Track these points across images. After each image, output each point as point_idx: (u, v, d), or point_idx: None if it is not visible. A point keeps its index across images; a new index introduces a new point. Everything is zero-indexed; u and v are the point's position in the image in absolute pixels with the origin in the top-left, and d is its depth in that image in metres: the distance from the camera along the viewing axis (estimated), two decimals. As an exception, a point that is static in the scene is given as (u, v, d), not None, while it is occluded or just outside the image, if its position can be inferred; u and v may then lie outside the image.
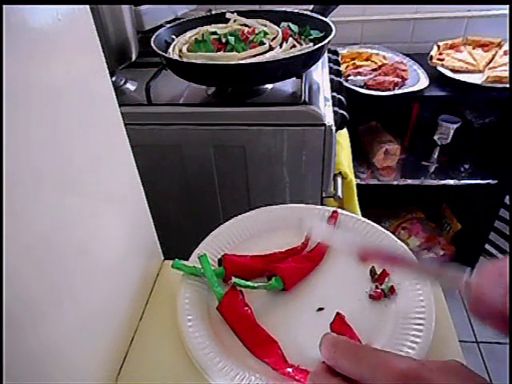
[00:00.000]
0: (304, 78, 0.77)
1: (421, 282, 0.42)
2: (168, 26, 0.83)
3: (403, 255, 0.38)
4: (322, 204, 0.81)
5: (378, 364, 0.26)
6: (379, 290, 0.43)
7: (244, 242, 0.50)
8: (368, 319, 0.41)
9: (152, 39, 0.75)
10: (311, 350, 0.31)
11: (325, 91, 0.81)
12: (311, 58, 0.73)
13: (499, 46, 1.29)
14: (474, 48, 1.30)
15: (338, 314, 0.40)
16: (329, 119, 0.72)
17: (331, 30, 0.74)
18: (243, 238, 0.50)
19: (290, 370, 0.36)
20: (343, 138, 0.98)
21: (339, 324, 0.39)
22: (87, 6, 0.34)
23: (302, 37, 0.78)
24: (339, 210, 0.52)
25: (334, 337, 0.30)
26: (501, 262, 0.28)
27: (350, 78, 1.25)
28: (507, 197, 1.35)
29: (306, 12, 0.83)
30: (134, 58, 0.81)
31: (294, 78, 0.79)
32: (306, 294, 0.44)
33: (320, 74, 0.87)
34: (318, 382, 0.29)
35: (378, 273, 0.45)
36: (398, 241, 0.47)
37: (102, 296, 0.39)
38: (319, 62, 0.85)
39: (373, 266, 0.46)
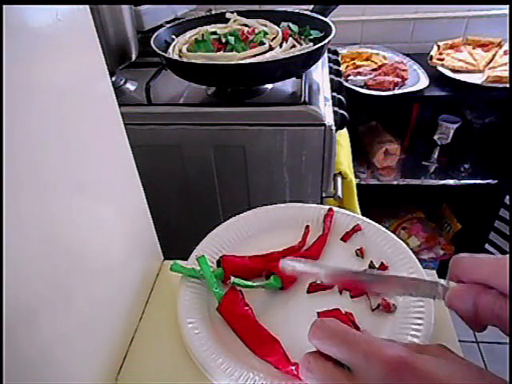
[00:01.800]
0: (304, 78, 0.77)
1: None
2: (168, 25, 0.83)
3: (372, 275, 0.38)
4: (321, 204, 0.81)
5: (367, 350, 0.27)
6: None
7: (242, 242, 0.50)
8: (366, 317, 0.41)
9: (152, 39, 0.75)
10: (312, 348, 0.31)
11: (325, 91, 0.81)
12: (311, 58, 0.73)
13: (499, 45, 1.29)
14: (474, 48, 1.30)
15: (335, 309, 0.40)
16: (329, 119, 0.72)
17: (331, 30, 0.74)
18: (240, 239, 0.50)
19: (292, 368, 0.36)
20: (343, 137, 0.98)
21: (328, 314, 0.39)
22: (87, 6, 0.34)
23: (302, 37, 0.78)
24: (335, 208, 0.52)
25: (321, 320, 0.30)
26: (475, 287, 0.30)
27: (349, 77, 1.25)
28: (507, 197, 1.35)
29: (306, 12, 0.83)
30: (133, 58, 0.81)
31: (293, 78, 0.80)
32: (304, 291, 0.44)
33: (320, 74, 0.87)
34: (313, 364, 0.29)
35: (377, 266, 0.45)
36: (398, 239, 0.47)
37: (102, 296, 0.39)
38: (319, 62, 0.85)
39: (371, 261, 0.46)
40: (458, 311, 0.30)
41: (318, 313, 0.39)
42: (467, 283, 0.30)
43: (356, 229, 0.49)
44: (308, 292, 0.44)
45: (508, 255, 0.29)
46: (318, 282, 0.44)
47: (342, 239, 0.49)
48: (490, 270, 0.30)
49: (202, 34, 0.78)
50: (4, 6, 0.25)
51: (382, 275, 0.36)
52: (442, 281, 0.32)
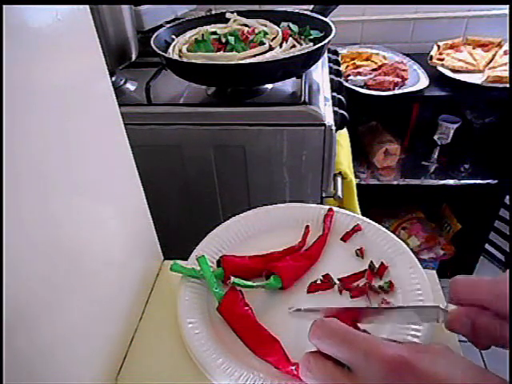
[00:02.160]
0: (304, 78, 0.77)
1: (420, 280, 0.42)
2: (168, 25, 0.83)
3: (375, 309, 0.38)
4: (321, 204, 0.81)
5: (367, 350, 0.27)
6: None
7: (242, 242, 0.50)
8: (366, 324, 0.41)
9: (152, 39, 0.75)
10: (313, 348, 0.31)
11: (325, 91, 0.81)
12: (311, 58, 0.73)
13: (499, 45, 1.29)
14: (474, 48, 1.30)
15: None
16: (329, 119, 0.72)
17: (331, 30, 0.74)
18: (240, 239, 0.50)
19: (292, 368, 0.36)
20: (343, 137, 0.98)
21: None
22: (87, 6, 0.34)
23: (302, 37, 0.78)
24: (335, 208, 0.52)
25: (321, 320, 0.30)
26: (472, 310, 0.31)
27: (350, 77, 1.25)
28: (507, 197, 1.35)
29: (306, 12, 0.83)
30: (133, 57, 0.81)
31: (293, 78, 0.79)
32: (304, 291, 0.44)
33: (320, 73, 0.87)
34: (312, 364, 0.29)
35: (377, 266, 0.45)
36: (398, 239, 0.47)
37: (102, 296, 0.39)
38: (319, 62, 0.85)
39: (371, 261, 0.46)
40: (459, 333, 0.32)
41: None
42: (465, 305, 0.31)
43: (356, 229, 0.49)
44: (308, 292, 0.44)
45: (506, 273, 0.30)
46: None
47: (341, 239, 0.49)
48: (485, 292, 0.30)
49: (202, 34, 0.78)
50: (4, 6, 0.25)
51: (384, 309, 0.37)
52: (441, 304, 0.32)
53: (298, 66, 0.72)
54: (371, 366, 0.26)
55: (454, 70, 1.21)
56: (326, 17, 0.80)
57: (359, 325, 0.37)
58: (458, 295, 0.32)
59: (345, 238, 0.49)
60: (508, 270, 0.30)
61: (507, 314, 0.28)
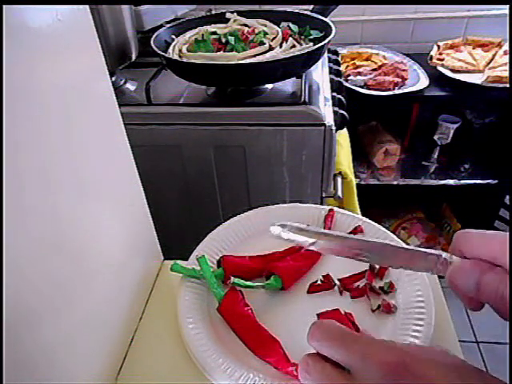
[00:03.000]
0: (304, 78, 0.77)
1: (420, 280, 0.42)
2: (168, 25, 0.83)
3: (365, 241, 0.35)
4: (321, 204, 0.81)
5: (366, 353, 0.27)
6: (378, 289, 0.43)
7: (242, 242, 0.50)
8: (366, 318, 0.41)
9: (152, 39, 0.75)
10: (312, 350, 0.31)
11: (325, 91, 0.81)
12: (311, 58, 0.73)
13: (499, 45, 1.29)
14: (474, 48, 1.30)
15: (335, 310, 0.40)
16: (329, 119, 0.72)
17: (331, 30, 0.74)
18: (241, 239, 0.50)
19: (292, 368, 0.36)
20: (343, 137, 0.98)
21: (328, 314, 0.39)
22: (87, 6, 0.34)
23: (302, 37, 0.78)
24: (335, 209, 0.52)
25: (320, 322, 0.30)
26: (481, 264, 0.28)
27: (349, 78, 1.25)
28: (507, 197, 1.35)
29: (306, 12, 0.83)
30: (133, 57, 0.81)
31: (293, 78, 0.80)
32: (305, 292, 0.44)
33: (320, 73, 0.87)
34: (311, 367, 0.29)
35: (378, 267, 0.45)
36: (398, 239, 0.47)
37: (102, 296, 0.39)
38: (319, 62, 0.85)
39: None
40: (458, 288, 0.29)
41: (318, 315, 0.39)
42: (472, 259, 0.29)
43: (358, 230, 0.49)
44: (308, 292, 0.44)
45: None
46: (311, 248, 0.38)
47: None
48: (499, 247, 0.28)
49: (202, 34, 0.78)
50: (4, 6, 0.25)
51: (376, 242, 0.34)
52: (444, 254, 0.30)
53: (297, 66, 0.72)
54: (369, 368, 0.26)
55: (454, 70, 1.21)
56: (325, 17, 0.80)
57: (361, 329, 0.37)
58: (467, 247, 0.29)
59: None
60: None
61: None
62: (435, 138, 1.35)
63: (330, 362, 0.28)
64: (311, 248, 0.34)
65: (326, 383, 0.28)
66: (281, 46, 0.73)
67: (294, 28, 0.79)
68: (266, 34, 0.76)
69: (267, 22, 0.81)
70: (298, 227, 0.36)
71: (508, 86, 1.11)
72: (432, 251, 0.31)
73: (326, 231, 0.35)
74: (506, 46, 1.26)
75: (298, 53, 0.68)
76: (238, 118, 0.73)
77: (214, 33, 0.78)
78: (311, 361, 0.29)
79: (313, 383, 0.29)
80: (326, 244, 0.34)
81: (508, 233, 0.28)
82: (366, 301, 0.43)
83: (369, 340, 0.28)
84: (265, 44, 0.72)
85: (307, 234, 0.35)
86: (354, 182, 0.91)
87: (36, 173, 0.29)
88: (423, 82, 1.20)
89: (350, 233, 0.49)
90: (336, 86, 0.86)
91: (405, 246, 0.33)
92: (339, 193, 0.81)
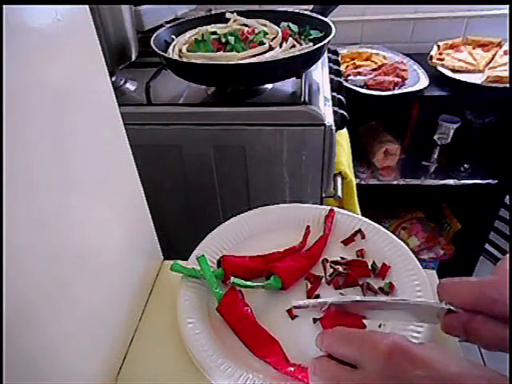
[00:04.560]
0: (304, 78, 0.77)
1: (420, 280, 0.42)
2: (168, 25, 0.83)
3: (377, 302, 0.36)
4: (321, 204, 0.81)
5: (364, 343, 0.28)
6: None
7: (242, 242, 0.50)
8: (368, 318, 0.41)
9: (152, 39, 0.75)
10: (312, 349, 0.31)
11: (325, 91, 0.80)
12: (311, 58, 0.72)
13: (499, 45, 1.29)
14: (474, 48, 1.30)
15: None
16: (329, 119, 0.72)
17: (331, 30, 0.74)
18: (241, 239, 0.50)
19: (291, 369, 0.36)
20: (343, 137, 0.98)
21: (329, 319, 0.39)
22: (87, 6, 0.34)
23: (302, 37, 0.78)
24: (336, 209, 0.52)
25: (327, 330, 0.32)
26: (462, 316, 0.30)
27: (349, 77, 1.25)
28: (507, 197, 1.35)
29: (305, 12, 0.83)
30: (133, 58, 0.81)
31: (293, 78, 0.79)
32: (304, 292, 0.44)
33: (320, 74, 0.87)
34: (317, 367, 0.30)
35: (379, 266, 0.45)
36: (398, 240, 0.47)
37: (102, 296, 0.39)
38: (319, 62, 0.85)
39: (373, 261, 0.46)
40: (456, 336, 0.32)
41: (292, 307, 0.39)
42: (456, 313, 0.31)
43: (360, 234, 0.49)
44: (308, 292, 0.44)
45: (491, 274, 0.30)
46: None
47: (342, 242, 0.49)
48: (471, 295, 0.30)
49: (202, 34, 0.78)
50: (4, 6, 0.25)
51: (386, 302, 0.36)
52: (442, 305, 0.32)
53: (297, 66, 0.72)
54: (367, 355, 0.28)
55: (454, 70, 1.21)
56: (325, 17, 0.80)
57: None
58: (448, 297, 0.32)
59: (346, 242, 0.49)
60: (501, 262, 0.31)
61: (499, 315, 0.28)
62: (435, 137, 1.35)
63: (335, 361, 0.30)
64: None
65: (332, 379, 0.29)
66: (281, 46, 0.73)
67: (294, 28, 0.79)
68: (265, 33, 0.76)
69: (267, 22, 0.81)
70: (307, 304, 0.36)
71: (508, 85, 1.11)
72: (434, 303, 0.33)
73: (332, 300, 0.35)
74: (506, 46, 1.26)
75: (298, 53, 0.68)
76: (237, 117, 0.73)
77: (214, 33, 0.78)
78: (317, 362, 0.31)
79: (320, 381, 0.30)
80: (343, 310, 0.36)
81: (479, 280, 0.30)
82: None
83: (366, 332, 0.30)
84: (265, 44, 0.72)
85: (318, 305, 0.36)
86: (354, 181, 0.91)
87: (33, 172, 0.29)
88: (423, 81, 1.20)
89: (351, 236, 0.49)
90: (336, 86, 0.86)
91: (411, 301, 0.35)
92: (339, 193, 0.81)
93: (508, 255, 0.31)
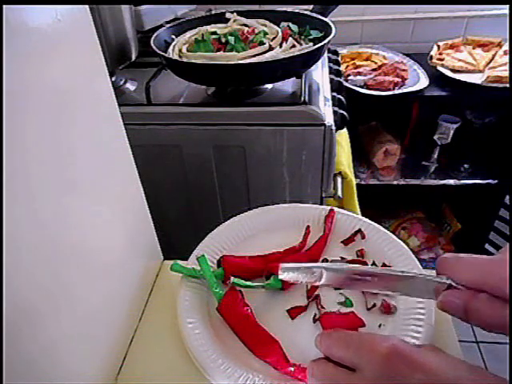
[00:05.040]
0: (304, 78, 0.77)
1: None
2: (168, 25, 0.83)
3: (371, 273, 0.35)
4: (321, 204, 0.81)
5: (362, 346, 0.28)
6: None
7: (242, 242, 0.50)
8: (367, 319, 0.41)
9: (152, 39, 0.75)
10: (312, 349, 0.31)
11: (325, 91, 0.81)
12: (311, 58, 0.73)
13: (499, 45, 1.29)
14: (474, 48, 1.30)
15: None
16: (329, 119, 0.72)
17: (331, 30, 0.74)
18: (241, 239, 0.50)
19: (291, 369, 0.36)
20: (343, 137, 0.98)
21: (327, 321, 0.39)
22: (87, 6, 0.34)
23: (302, 37, 0.78)
24: (336, 209, 0.52)
25: (327, 331, 0.32)
26: (463, 293, 0.29)
27: (349, 77, 1.25)
28: (507, 197, 1.35)
29: (305, 12, 0.83)
30: (133, 57, 0.81)
31: (293, 78, 0.79)
32: (304, 292, 0.44)
33: (320, 74, 0.87)
34: (315, 370, 0.30)
35: (379, 266, 0.45)
36: (398, 240, 0.47)
37: (102, 296, 0.39)
38: (319, 62, 0.85)
39: (373, 261, 0.46)
40: (449, 313, 0.31)
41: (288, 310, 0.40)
42: (457, 289, 0.30)
43: (359, 234, 0.49)
44: (308, 292, 0.44)
45: (501, 252, 0.29)
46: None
47: (342, 242, 0.49)
48: (479, 273, 0.29)
49: (202, 34, 0.78)
50: (4, 6, 0.25)
51: (377, 269, 0.35)
52: (444, 278, 0.31)
53: (297, 66, 0.72)
54: (364, 357, 0.28)
55: (454, 70, 1.21)
56: (325, 17, 0.80)
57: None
58: (450, 273, 0.30)
59: (346, 242, 0.49)
60: (507, 246, 0.29)
61: (505, 295, 0.27)
62: (435, 138, 1.35)
63: (333, 363, 0.30)
64: (317, 284, 0.35)
65: (329, 380, 0.29)
66: (281, 46, 0.73)
67: (294, 28, 0.79)
68: (265, 33, 0.76)
69: (267, 22, 0.81)
70: (297, 267, 0.36)
71: (508, 85, 1.11)
72: (434, 277, 0.32)
73: (325, 265, 0.35)
74: (506, 46, 1.26)
75: (298, 53, 0.68)
76: (237, 117, 0.73)
77: (214, 33, 0.78)
78: (315, 364, 0.31)
79: (318, 383, 0.30)
80: (330, 277, 0.35)
81: (488, 257, 0.29)
82: (362, 299, 0.42)
83: (365, 334, 0.30)
84: (265, 44, 0.72)
85: (309, 270, 0.35)
86: (354, 181, 0.91)
87: (33, 173, 0.29)
88: (423, 81, 1.20)
89: (351, 235, 0.49)
90: (336, 86, 0.86)
91: (407, 271, 0.34)
92: (339, 193, 0.81)
93: None
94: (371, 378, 0.26)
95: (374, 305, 0.41)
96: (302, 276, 0.35)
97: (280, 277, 0.36)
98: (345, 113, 0.77)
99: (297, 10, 0.84)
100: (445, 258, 0.31)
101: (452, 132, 1.31)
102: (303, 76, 0.77)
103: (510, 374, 0.25)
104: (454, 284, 0.30)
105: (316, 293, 0.44)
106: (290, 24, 0.80)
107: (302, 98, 0.72)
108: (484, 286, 0.28)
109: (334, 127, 0.72)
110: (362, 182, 1.32)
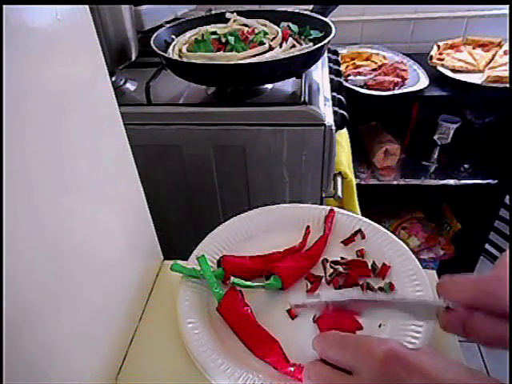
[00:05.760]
0: (304, 78, 0.77)
1: (420, 280, 0.42)
2: (168, 25, 0.83)
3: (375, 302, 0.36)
4: (321, 204, 0.81)
5: (359, 349, 0.28)
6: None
7: (242, 242, 0.50)
8: (367, 318, 0.41)
9: (152, 39, 0.75)
10: (312, 349, 0.31)
11: (325, 91, 0.80)
12: (311, 58, 0.73)
13: (499, 45, 1.29)
14: (474, 48, 1.30)
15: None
16: (329, 119, 0.72)
17: (331, 30, 0.74)
18: (241, 239, 0.50)
19: (291, 369, 0.36)
20: (343, 137, 0.98)
21: (325, 319, 0.39)
22: (87, 6, 0.34)
23: (302, 37, 0.78)
24: (336, 209, 0.52)
25: (324, 333, 0.32)
26: (460, 313, 0.30)
27: (349, 77, 1.25)
28: (507, 197, 1.35)
29: (305, 12, 0.83)
30: (133, 57, 0.81)
31: (293, 78, 0.79)
32: (304, 292, 0.44)
33: (320, 74, 0.87)
34: (311, 372, 0.30)
35: (379, 266, 0.45)
36: (398, 240, 0.47)
37: (102, 296, 0.39)
38: (319, 62, 0.85)
39: (373, 261, 0.46)
40: (451, 333, 0.31)
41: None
42: (454, 310, 0.31)
43: (359, 234, 0.49)
44: (308, 292, 0.44)
45: (490, 271, 0.30)
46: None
47: (342, 242, 0.49)
48: (470, 293, 0.30)
49: (202, 34, 0.78)
50: (4, 6, 0.25)
51: (384, 301, 0.36)
52: (441, 303, 0.32)
53: (297, 66, 0.72)
54: (361, 360, 0.28)
55: (454, 70, 1.21)
56: (325, 17, 0.80)
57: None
58: (447, 295, 0.31)
59: (346, 242, 0.49)
60: (500, 261, 0.30)
61: (498, 311, 0.28)
62: (435, 137, 1.35)
63: (329, 366, 0.29)
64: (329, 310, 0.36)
65: (325, 382, 0.29)
66: (281, 46, 0.73)
67: (294, 28, 0.79)
68: (265, 33, 0.76)
69: (267, 22, 0.81)
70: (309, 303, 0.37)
71: (508, 85, 1.11)
72: (433, 301, 0.33)
73: (330, 301, 0.36)
74: (506, 46, 1.26)
75: (298, 53, 0.68)
76: (237, 117, 0.73)
77: (214, 33, 0.78)
78: (312, 366, 0.31)
79: None
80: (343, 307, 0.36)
81: (478, 276, 0.30)
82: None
83: (362, 336, 0.30)
84: (265, 44, 0.72)
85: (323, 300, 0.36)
86: (354, 181, 0.91)
87: (33, 173, 0.29)
88: (423, 81, 1.20)
89: (351, 236, 0.49)
90: (336, 86, 0.86)
91: (409, 299, 0.36)
92: (339, 193, 0.81)
93: (505, 252, 0.30)
94: (368, 380, 0.26)
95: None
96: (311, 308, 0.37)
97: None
98: (345, 113, 0.77)
99: (297, 10, 0.84)
100: (442, 281, 0.32)
101: (452, 132, 1.31)
102: (303, 76, 0.77)
103: (510, 374, 0.25)
104: (450, 306, 0.31)
105: (316, 293, 0.44)
106: (290, 24, 0.80)
107: (302, 98, 0.72)
108: (477, 304, 0.29)
109: (334, 127, 0.72)
110: (362, 182, 1.31)
